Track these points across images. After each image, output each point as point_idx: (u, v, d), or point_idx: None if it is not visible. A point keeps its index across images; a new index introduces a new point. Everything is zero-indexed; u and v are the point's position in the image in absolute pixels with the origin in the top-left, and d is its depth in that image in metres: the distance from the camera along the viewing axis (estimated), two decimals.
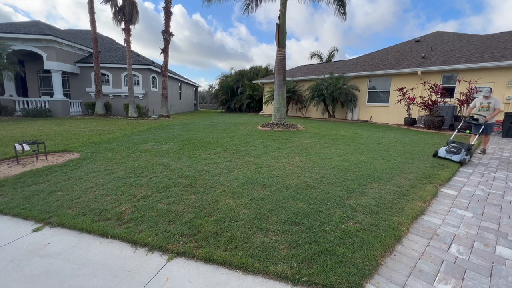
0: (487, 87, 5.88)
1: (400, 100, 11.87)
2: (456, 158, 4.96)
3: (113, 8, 14.17)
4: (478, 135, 5.68)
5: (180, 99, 24.24)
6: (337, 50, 28.02)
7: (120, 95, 16.32)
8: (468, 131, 6.04)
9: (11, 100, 13.83)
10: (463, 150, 5.09)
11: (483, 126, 5.66)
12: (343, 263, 1.97)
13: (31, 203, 2.94)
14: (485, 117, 5.77)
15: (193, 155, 5.22)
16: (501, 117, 9.97)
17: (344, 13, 11.29)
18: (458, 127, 6.14)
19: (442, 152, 5.26)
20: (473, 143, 5.50)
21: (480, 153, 6.06)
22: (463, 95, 9.53)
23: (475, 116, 5.90)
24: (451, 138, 5.77)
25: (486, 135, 5.99)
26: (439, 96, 10.33)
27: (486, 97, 5.85)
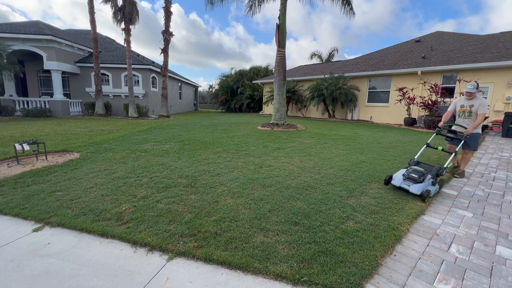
0: (473, 81, 4.13)
1: (400, 100, 11.87)
2: (415, 189, 3.28)
3: (113, 8, 14.15)
4: (454, 154, 3.77)
5: (180, 99, 24.24)
6: (337, 50, 28.03)
7: (120, 95, 16.32)
8: (440, 148, 4.01)
9: (11, 100, 13.83)
10: (429, 176, 3.42)
11: (462, 142, 3.93)
12: (343, 263, 1.97)
13: (31, 203, 2.94)
14: (466, 128, 4.01)
15: (193, 155, 5.22)
16: (501, 117, 9.98)
17: (351, 9, 11.16)
18: (428, 142, 4.19)
19: (397, 178, 3.54)
20: (446, 165, 3.65)
21: (456, 176, 4.29)
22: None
23: (453, 127, 4.29)
24: (415, 157, 3.93)
25: (467, 151, 4.22)
26: (439, 96, 10.34)
27: (469, 94, 4.04)
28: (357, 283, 1.78)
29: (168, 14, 14.67)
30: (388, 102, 13.85)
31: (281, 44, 10.18)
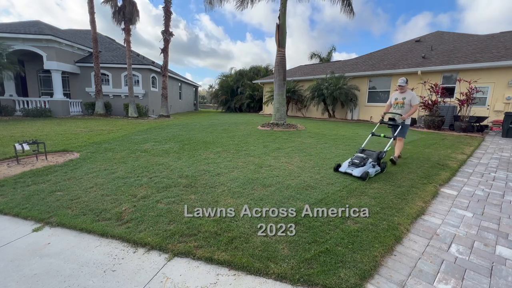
0: (403, 77, 4.90)
1: None
2: (356, 172, 3.87)
3: (113, 8, 14.17)
4: (393, 139, 4.57)
5: (180, 99, 24.24)
6: (335, 49, 28.16)
7: (120, 95, 16.31)
8: (382, 135, 4.75)
9: (11, 100, 13.82)
10: (370, 160, 4.04)
11: (399, 128, 4.66)
12: (343, 263, 1.97)
13: (31, 203, 2.94)
14: (401, 115, 4.73)
15: (193, 155, 5.22)
16: (501, 117, 9.98)
17: (352, 10, 11.19)
18: (373, 131, 4.83)
19: (344, 165, 4.15)
20: (386, 149, 4.38)
21: (391, 161, 4.78)
22: (463, 95, 9.54)
23: (391, 116, 4.93)
24: (362, 146, 4.60)
25: (400, 139, 4.90)
26: (439, 96, 10.34)
27: (401, 88, 4.83)
28: (357, 283, 1.78)
29: (168, 14, 14.66)
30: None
31: (281, 44, 10.17)
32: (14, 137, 6.90)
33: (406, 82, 4.81)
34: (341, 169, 4.12)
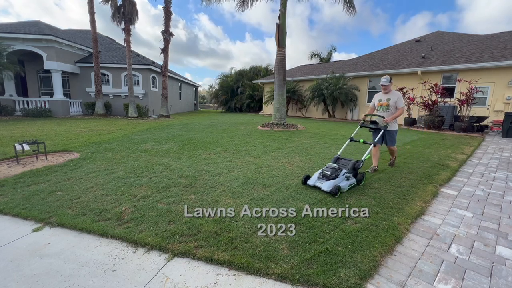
0: (387, 76, 4.39)
1: None
2: (326, 186, 3.28)
3: (112, 8, 14.17)
4: (373, 145, 4.00)
5: (180, 99, 24.24)
6: (335, 49, 28.17)
7: (120, 95, 16.31)
8: (361, 140, 4.15)
9: (11, 100, 13.82)
10: (344, 171, 3.46)
11: (381, 132, 4.11)
12: (343, 263, 1.97)
13: (31, 203, 2.94)
14: (384, 118, 4.21)
15: (193, 155, 5.22)
16: (501, 117, 9.98)
17: (353, 8, 11.13)
18: (351, 136, 4.25)
19: (314, 177, 3.54)
20: (363, 158, 3.76)
21: (388, 166, 4.67)
22: (463, 95, 9.54)
23: (373, 118, 4.41)
24: (338, 153, 4.03)
25: (390, 147, 4.48)
26: (439, 96, 10.34)
27: (385, 88, 4.34)
28: (357, 283, 1.78)
29: (168, 14, 14.66)
30: None
31: (281, 44, 10.17)
32: (14, 137, 6.90)
33: (390, 81, 4.29)
34: (310, 182, 3.50)
